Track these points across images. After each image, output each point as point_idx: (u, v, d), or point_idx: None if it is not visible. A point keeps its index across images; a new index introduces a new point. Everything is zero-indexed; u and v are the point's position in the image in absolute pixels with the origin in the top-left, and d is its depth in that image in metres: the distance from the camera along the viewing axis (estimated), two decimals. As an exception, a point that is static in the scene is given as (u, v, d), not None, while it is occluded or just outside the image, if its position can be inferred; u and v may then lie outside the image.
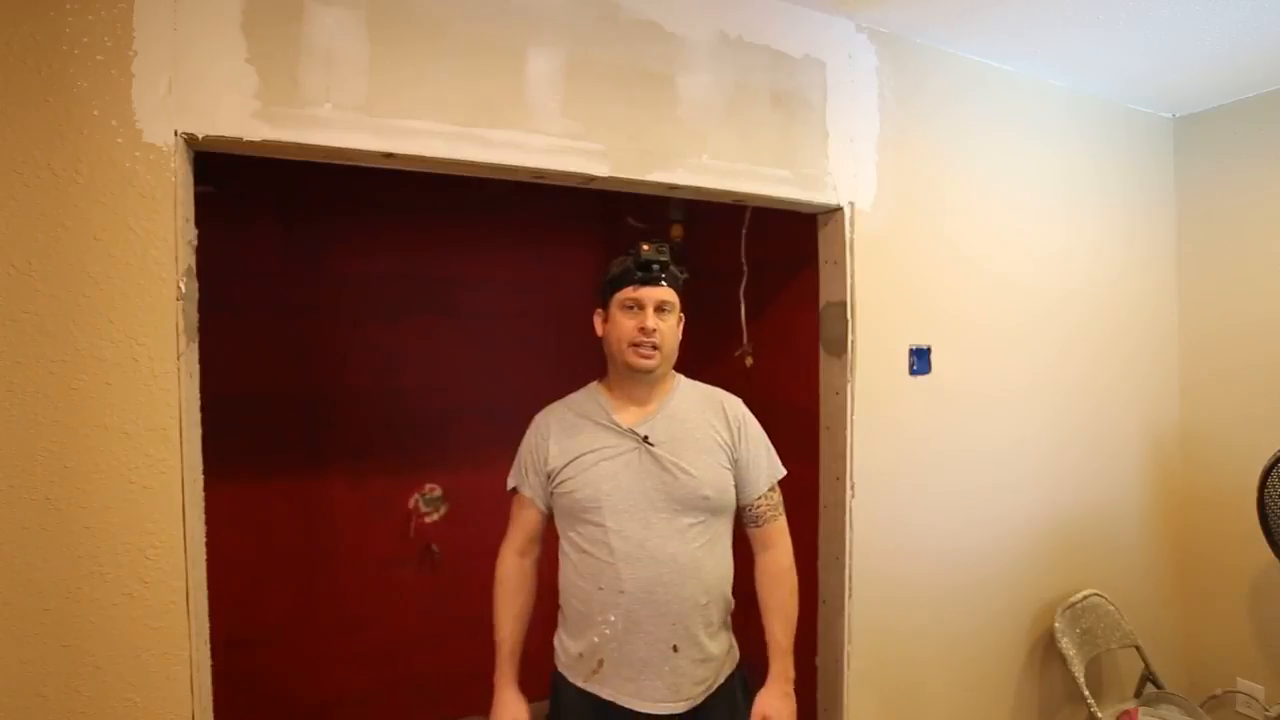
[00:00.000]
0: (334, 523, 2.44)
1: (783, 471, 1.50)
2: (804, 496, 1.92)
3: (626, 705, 1.34)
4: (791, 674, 1.43)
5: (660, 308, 1.37)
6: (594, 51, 1.51)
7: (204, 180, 1.29)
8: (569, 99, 1.49)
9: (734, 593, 1.45)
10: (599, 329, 1.44)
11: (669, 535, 1.34)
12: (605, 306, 1.42)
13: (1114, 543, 2.41)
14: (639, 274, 1.37)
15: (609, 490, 1.34)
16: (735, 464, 1.42)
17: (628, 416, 1.41)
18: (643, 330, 1.35)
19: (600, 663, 1.35)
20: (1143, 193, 2.48)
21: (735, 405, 1.49)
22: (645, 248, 1.38)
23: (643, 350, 1.36)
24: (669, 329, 1.39)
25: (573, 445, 1.40)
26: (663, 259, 1.38)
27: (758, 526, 1.46)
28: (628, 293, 1.37)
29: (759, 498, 1.45)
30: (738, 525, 1.48)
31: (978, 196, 2.08)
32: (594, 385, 1.49)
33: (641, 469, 1.36)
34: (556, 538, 1.47)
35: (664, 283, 1.38)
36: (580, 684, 1.38)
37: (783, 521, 1.49)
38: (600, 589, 1.34)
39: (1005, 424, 2.16)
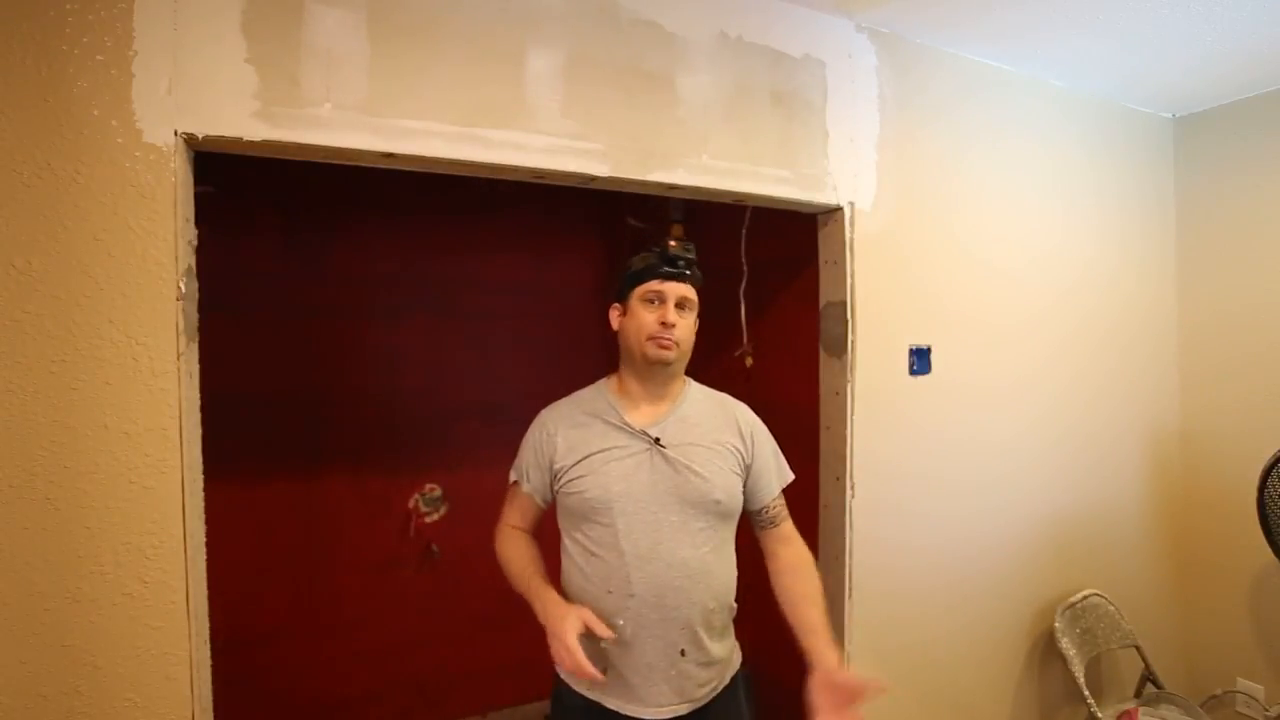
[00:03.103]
0: (334, 523, 2.45)
1: (791, 476, 1.50)
2: (804, 496, 1.91)
3: (632, 714, 1.33)
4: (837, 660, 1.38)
5: (681, 304, 1.37)
6: (594, 51, 1.51)
7: (204, 180, 1.29)
8: (569, 99, 1.49)
9: (736, 598, 1.45)
10: (615, 323, 1.43)
11: (680, 539, 1.33)
12: (624, 300, 1.41)
13: (1114, 542, 2.41)
14: (665, 268, 1.36)
15: (621, 491, 1.33)
16: (748, 471, 1.42)
17: (639, 417, 1.39)
18: (663, 323, 1.34)
19: (604, 671, 1.34)
20: (1142, 192, 2.48)
21: (746, 413, 1.48)
22: (673, 243, 1.37)
23: (661, 341, 1.35)
24: (687, 326, 1.39)
25: (582, 444, 1.38)
26: (689, 255, 1.37)
27: (775, 526, 1.46)
28: (651, 285, 1.36)
29: (772, 500, 1.45)
30: (745, 531, 1.47)
31: (978, 196, 2.08)
32: (602, 383, 1.47)
33: (654, 471, 1.34)
34: (551, 530, 1.46)
35: (688, 279, 1.37)
36: (584, 691, 1.37)
37: (792, 523, 1.49)
38: (610, 592, 1.32)
39: (1006, 424, 2.16)
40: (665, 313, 1.35)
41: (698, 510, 1.34)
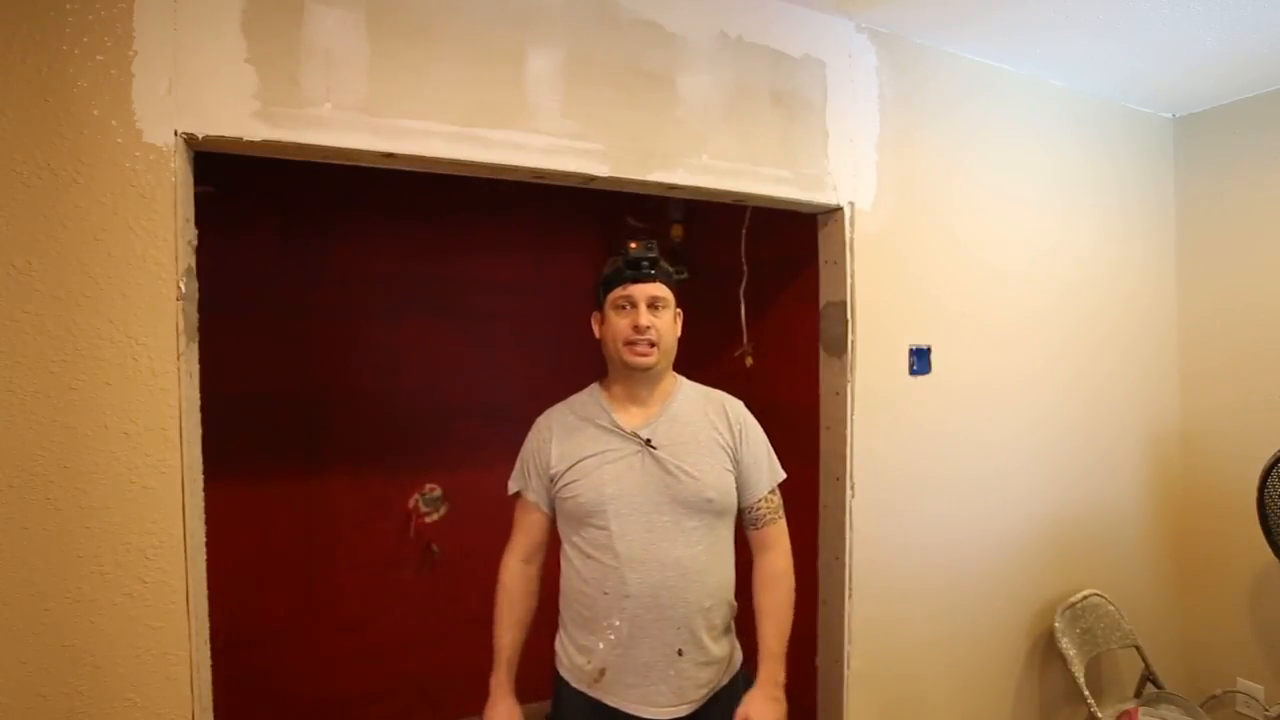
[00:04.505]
0: (334, 523, 2.44)
1: (783, 474, 1.50)
2: (804, 496, 1.91)
3: (631, 712, 1.34)
4: (781, 678, 1.41)
5: (653, 304, 1.37)
6: (594, 51, 1.51)
7: (204, 180, 1.29)
8: (569, 99, 1.49)
9: (736, 595, 1.45)
10: (596, 331, 1.45)
11: (674, 538, 1.33)
12: (601, 309, 1.42)
13: (1114, 542, 2.41)
14: (628, 272, 1.37)
15: (613, 494, 1.34)
16: (737, 466, 1.42)
17: (629, 419, 1.40)
18: (636, 328, 1.35)
19: (602, 671, 1.35)
20: (1142, 192, 2.48)
21: (737, 408, 1.48)
22: (633, 245, 1.38)
23: (638, 348, 1.35)
24: (665, 325, 1.38)
25: (574, 449, 1.39)
26: (651, 255, 1.38)
27: (757, 529, 1.46)
28: (619, 291, 1.37)
29: (759, 500, 1.45)
30: (738, 528, 1.48)
31: (978, 196, 2.08)
32: (594, 387, 1.48)
33: (645, 472, 1.35)
34: (559, 542, 1.46)
35: (654, 278, 1.38)
36: (584, 689, 1.38)
37: (782, 524, 1.49)
38: (605, 594, 1.33)
39: (1006, 424, 2.16)
40: (637, 316, 1.36)
41: (690, 509, 1.35)
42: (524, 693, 1.45)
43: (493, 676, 1.44)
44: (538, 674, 1.49)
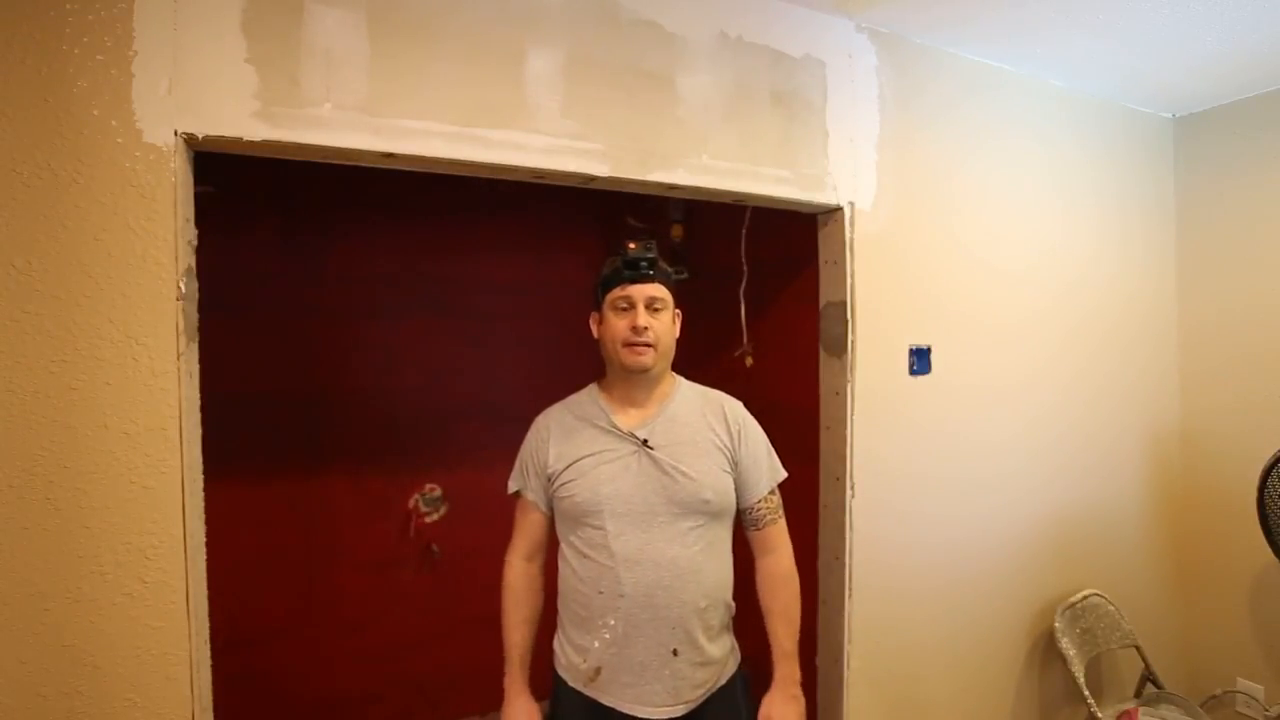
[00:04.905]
0: (334, 523, 2.44)
1: (784, 474, 1.49)
2: (804, 496, 1.91)
3: (627, 711, 1.34)
4: (798, 675, 1.43)
5: (651, 305, 1.37)
6: (594, 52, 1.51)
7: (204, 180, 1.29)
8: (569, 99, 1.49)
9: (734, 595, 1.45)
10: (595, 331, 1.45)
11: (670, 539, 1.34)
12: (599, 309, 1.42)
13: (1114, 542, 2.41)
14: (627, 272, 1.37)
15: (609, 494, 1.34)
16: (736, 467, 1.42)
17: (627, 419, 1.40)
18: (634, 329, 1.35)
19: (598, 670, 1.35)
20: (1142, 192, 2.48)
21: (735, 408, 1.48)
22: (631, 246, 1.38)
23: (636, 349, 1.35)
24: (663, 326, 1.39)
25: (572, 449, 1.39)
26: (649, 255, 1.38)
27: (758, 529, 1.46)
28: (617, 292, 1.37)
29: (759, 500, 1.45)
30: (737, 529, 1.48)
31: (978, 196, 2.08)
32: (593, 387, 1.48)
33: (641, 473, 1.35)
34: (559, 542, 1.46)
35: (653, 279, 1.38)
36: (581, 688, 1.38)
37: (783, 524, 1.49)
38: (600, 593, 1.34)
39: (1006, 424, 2.16)
40: (635, 317, 1.36)
41: (686, 510, 1.35)
42: (525, 693, 1.45)
43: (506, 676, 1.44)
44: (536, 673, 1.49)
